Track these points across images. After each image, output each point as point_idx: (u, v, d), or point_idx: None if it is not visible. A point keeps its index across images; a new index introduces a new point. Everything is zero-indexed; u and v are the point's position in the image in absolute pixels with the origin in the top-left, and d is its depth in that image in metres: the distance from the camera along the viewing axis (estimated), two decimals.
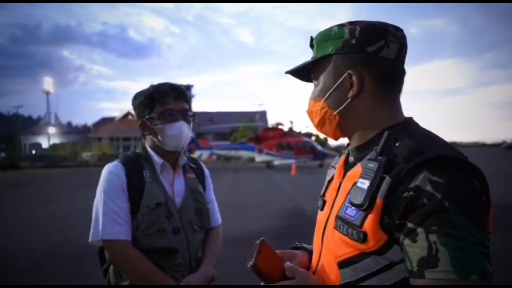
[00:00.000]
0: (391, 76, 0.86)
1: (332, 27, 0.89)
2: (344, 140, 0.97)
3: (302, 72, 0.97)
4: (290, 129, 43.31)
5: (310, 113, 0.96)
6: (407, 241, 0.69)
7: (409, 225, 0.69)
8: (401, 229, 0.70)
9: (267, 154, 27.76)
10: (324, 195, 0.98)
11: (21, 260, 5.27)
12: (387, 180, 0.72)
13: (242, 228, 6.94)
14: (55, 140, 48.27)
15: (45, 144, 47.92)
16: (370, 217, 0.73)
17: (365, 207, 0.74)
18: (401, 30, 0.86)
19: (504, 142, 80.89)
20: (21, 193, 13.97)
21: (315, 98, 0.93)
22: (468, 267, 0.64)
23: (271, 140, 28.27)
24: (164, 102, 1.64)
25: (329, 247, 0.85)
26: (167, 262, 1.59)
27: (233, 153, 30.33)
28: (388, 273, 0.73)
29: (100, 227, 1.54)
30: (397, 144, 0.76)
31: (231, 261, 4.88)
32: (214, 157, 30.23)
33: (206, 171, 1.92)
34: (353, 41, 0.84)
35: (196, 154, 26.01)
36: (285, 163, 25.82)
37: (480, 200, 0.70)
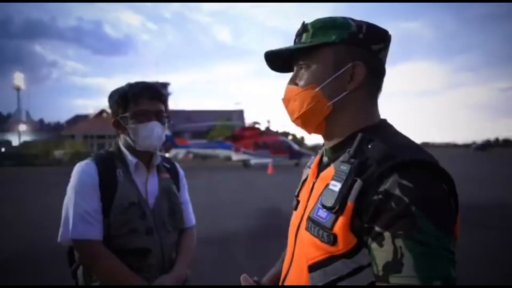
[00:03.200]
0: (380, 78, 0.89)
1: (334, 17, 0.87)
2: (322, 140, 0.95)
3: (281, 59, 0.94)
4: (267, 128, 43.47)
5: (292, 100, 0.90)
6: (374, 245, 0.69)
7: (377, 228, 0.69)
8: (369, 233, 0.70)
9: (244, 153, 27.79)
10: (298, 195, 0.98)
11: None
12: (359, 183, 0.72)
13: (217, 228, 6.91)
14: (26, 137, 46.89)
15: (15, 141, 46.51)
16: (340, 220, 0.73)
17: (336, 209, 0.73)
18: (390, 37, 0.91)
19: (474, 143, 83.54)
20: None
21: (306, 84, 0.87)
22: (431, 272, 0.64)
23: (248, 139, 28.30)
24: (138, 102, 1.61)
25: (301, 249, 0.85)
26: (139, 263, 1.56)
27: (210, 151, 30.25)
28: (357, 277, 0.73)
29: (71, 226, 1.51)
30: (369, 147, 0.77)
31: (205, 261, 4.85)
32: (191, 155, 30.05)
33: (181, 172, 1.90)
34: (361, 36, 0.85)
35: (172, 153, 25.79)
36: (262, 162, 25.88)
37: (448, 205, 0.71)
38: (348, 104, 0.86)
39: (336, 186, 0.75)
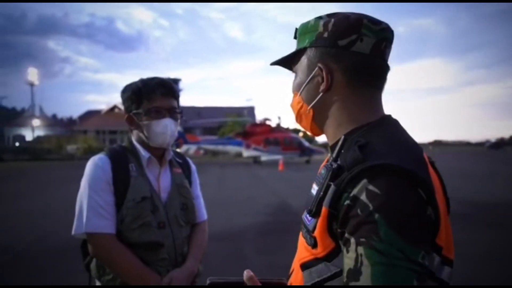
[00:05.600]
0: (364, 72, 0.82)
1: (310, 19, 0.87)
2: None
3: (290, 64, 0.95)
4: (278, 125, 43.37)
5: (291, 106, 0.95)
6: (344, 250, 0.68)
7: (346, 234, 0.67)
8: (341, 238, 0.69)
9: (255, 149, 27.81)
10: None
11: (1, 254, 5.20)
12: (332, 188, 0.71)
13: (228, 224, 6.94)
14: (40, 132, 47.47)
15: (29, 136, 47.15)
16: (318, 224, 0.73)
17: (313, 213, 0.74)
18: (378, 23, 0.82)
19: (487, 141, 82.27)
20: (3, 186, 13.74)
21: (293, 91, 0.92)
22: (387, 283, 0.61)
23: (258, 135, 28.30)
24: (151, 98, 1.62)
25: (299, 247, 0.86)
26: (151, 257, 1.57)
27: (220, 148, 30.28)
28: (337, 280, 0.72)
29: (84, 220, 1.53)
30: (342, 151, 0.76)
31: (216, 256, 4.87)
32: (202, 151, 30.14)
33: (193, 167, 1.91)
34: (326, 35, 0.82)
35: (183, 149, 25.89)
36: (272, 158, 25.88)
37: (420, 213, 0.66)
38: (327, 106, 0.85)
39: (315, 190, 0.76)
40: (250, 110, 51.87)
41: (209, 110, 53.20)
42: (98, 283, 1.63)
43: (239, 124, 38.34)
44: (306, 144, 28.80)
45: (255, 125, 31.97)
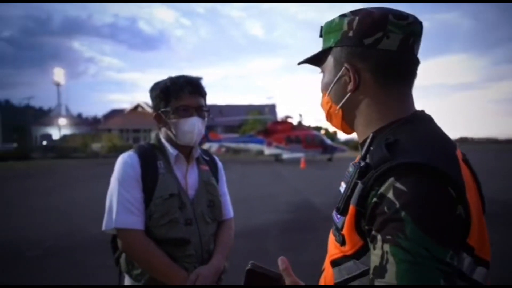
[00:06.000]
0: (393, 69, 0.80)
1: (335, 18, 0.86)
2: (354, 134, 0.96)
3: (317, 62, 0.94)
4: (299, 122, 43.18)
5: (321, 106, 0.95)
6: (371, 248, 0.68)
7: (373, 232, 0.67)
8: (369, 235, 0.69)
9: (276, 147, 27.76)
10: None
11: (30, 249, 5.36)
12: (359, 186, 0.71)
13: (250, 221, 6.96)
14: (66, 131, 48.61)
15: (55, 135, 48.34)
16: (346, 221, 0.73)
17: (341, 211, 0.74)
18: (405, 18, 0.79)
19: None
20: (32, 183, 14.17)
21: (321, 91, 0.92)
22: (413, 282, 0.61)
23: (280, 133, 28.22)
24: (179, 97, 1.64)
25: (329, 244, 0.86)
26: (179, 253, 1.60)
27: (242, 146, 30.38)
28: (366, 278, 0.71)
29: (114, 216, 1.56)
30: (371, 149, 0.75)
31: (238, 254, 4.90)
32: (223, 149, 30.30)
33: (220, 164, 1.93)
34: (351, 34, 0.81)
35: (205, 147, 26.09)
36: (294, 156, 25.78)
37: (448, 211, 0.64)
38: (355, 105, 0.84)
39: (343, 188, 0.76)
40: (272, 107, 51.78)
41: (230, 108, 53.35)
42: (127, 278, 1.67)
43: (260, 122, 38.31)
44: (328, 141, 28.58)
45: (276, 123, 31.88)
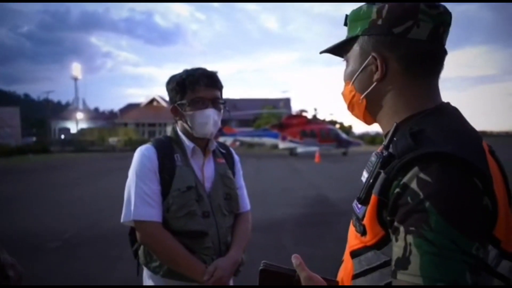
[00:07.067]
0: (422, 59, 0.79)
1: (362, 5, 0.84)
2: (369, 128, 0.94)
3: (339, 51, 0.93)
4: (314, 116, 42.98)
5: (343, 95, 0.93)
6: (393, 239, 0.67)
7: (395, 223, 0.66)
8: (391, 226, 0.68)
9: (291, 141, 27.66)
10: None
11: (51, 241, 5.47)
12: (382, 175, 0.70)
13: (266, 215, 6.96)
14: (83, 125, 49.26)
15: (73, 129, 49.03)
16: (368, 211, 0.72)
17: (362, 200, 0.73)
18: (436, 7, 0.77)
19: None
20: (51, 176, 14.45)
21: (344, 80, 0.90)
22: (437, 274, 0.59)
23: (294, 127, 28.10)
24: (195, 89, 1.64)
25: (349, 235, 0.85)
26: (196, 245, 1.61)
27: (256, 139, 30.36)
28: (387, 268, 0.70)
29: (132, 208, 1.58)
30: (394, 139, 0.74)
31: (255, 247, 4.91)
32: (237, 143, 30.35)
33: (236, 157, 1.93)
34: (380, 22, 0.79)
35: (220, 140, 26.03)
36: (309, 150, 25.67)
37: (475, 202, 0.63)
38: (381, 95, 0.83)
39: (364, 177, 0.75)
40: (286, 101, 51.54)
41: (245, 102, 53.30)
42: (145, 270, 1.69)
43: (274, 116, 38.24)
44: (343, 135, 28.35)
45: (291, 116, 31.75)
